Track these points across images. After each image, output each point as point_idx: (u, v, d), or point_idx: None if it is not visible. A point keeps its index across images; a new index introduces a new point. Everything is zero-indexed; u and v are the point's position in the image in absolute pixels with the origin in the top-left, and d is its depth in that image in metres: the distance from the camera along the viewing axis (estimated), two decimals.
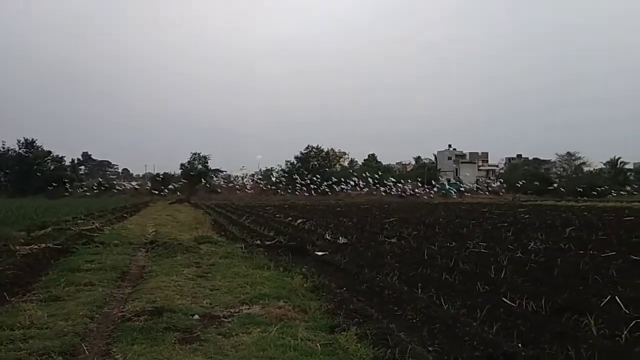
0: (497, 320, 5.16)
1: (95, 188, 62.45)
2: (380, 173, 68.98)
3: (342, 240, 12.95)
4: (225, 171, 74.70)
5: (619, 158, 71.62)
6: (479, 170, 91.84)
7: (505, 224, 17.62)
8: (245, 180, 73.15)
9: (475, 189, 70.39)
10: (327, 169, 65.97)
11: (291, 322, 5.21)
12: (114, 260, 9.52)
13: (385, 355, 4.09)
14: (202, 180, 64.36)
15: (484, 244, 11.58)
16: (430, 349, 4.54)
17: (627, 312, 5.30)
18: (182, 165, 65.70)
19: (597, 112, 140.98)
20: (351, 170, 77.48)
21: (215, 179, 69.46)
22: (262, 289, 6.81)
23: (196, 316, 5.51)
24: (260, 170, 74.18)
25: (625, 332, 4.54)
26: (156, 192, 57.76)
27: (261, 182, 68.24)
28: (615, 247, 10.44)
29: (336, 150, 73.59)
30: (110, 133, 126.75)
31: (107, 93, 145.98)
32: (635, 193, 60.81)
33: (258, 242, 12.74)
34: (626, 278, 7.22)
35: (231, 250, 10.92)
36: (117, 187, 66.16)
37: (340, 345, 4.37)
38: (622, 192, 59.10)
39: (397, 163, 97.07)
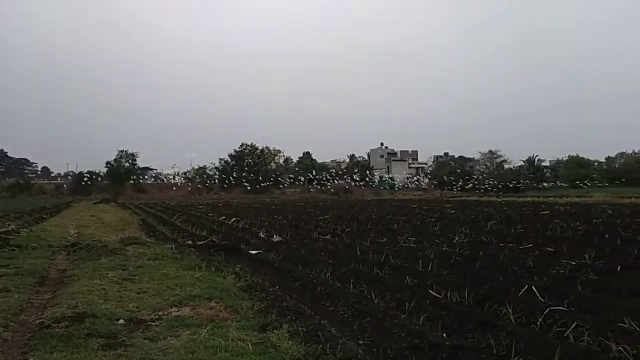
0: (424, 312, 5.36)
1: (11, 188, 57.97)
2: (315, 171, 69.59)
3: (276, 238, 12.91)
4: (156, 169, 72.08)
5: (537, 156, 76.94)
6: (409, 167, 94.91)
7: (433, 219, 18.33)
8: (176, 178, 70.97)
9: (406, 186, 72.76)
10: (262, 167, 65.44)
11: (222, 323, 5.13)
12: (32, 264, 8.92)
13: (316, 352, 4.12)
14: (130, 179, 61.59)
15: (413, 238, 12.00)
16: (360, 342, 4.63)
17: (542, 300, 5.68)
18: (107, 163, 62.41)
19: (516, 112, 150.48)
20: (286, 168, 77.52)
21: (144, 177, 66.75)
22: (193, 290, 6.65)
23: (121, 321, 5.28)
24: (193, 168, 72.23)
25: (540, 319, 4.87)
26: (79, 192, 54.63)
27: (194, 180, 66.50)
28: (532, 240, 11.16)
29: (271, 148, 73.23)
30: (29, 129, 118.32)
31: (27, 87, 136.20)
32: (550, 188, 65.45)
33: (190, 242, 12.41)
34: (542, 268, 7.74)
35: (160, 251, 10.56)
36: (36, 187, 61.80)
37: (271, 344, 4.35)
38: (539, 187, 63.59)
39: (331, 161, 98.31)
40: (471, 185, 65.06)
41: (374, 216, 20.83)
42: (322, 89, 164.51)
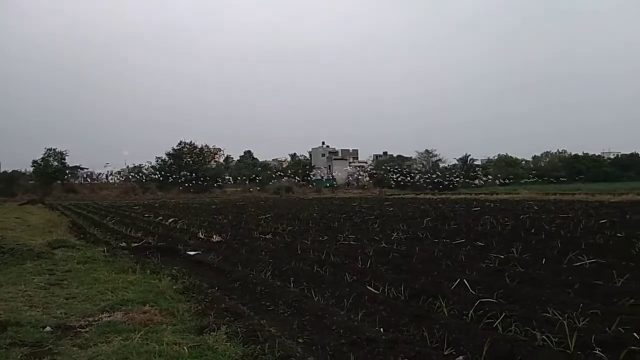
0: (362, 308, 5.46)
1: None
2: (256, 169, 68.96)
3: (216, 238, 12.67)
4: (87, 169, 68.47)
5: (469, 155, 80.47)
6: (350, 166, 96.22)
7: (373, 217, 18.70)
8: (110, 178, 67.85)
9: (346, 184, 73.71)
10: (201, 166, 63.85)
11: (157, 327, 4.96)
12: None
13: (254, 352, 4.08)
14: (59, 178, 58.15)
15: (353, 236, 12.19)
16: (300, 340, 4.64)
17: (473, 292, 5.94)
18: (34, 162, 58.52)
19: (451, 115, 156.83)
20: (227, 167, 76.25)
21: (74, 177, 63.24)
22: (126, 294, 6.39)
23: (48, 328, 4.98)
24: (128, 167, 69.24)
25: (471, 311, 5.09)
26: (3, 193, 50.91)
27: (129, 180, 63.81)
28: (464, 235, 11.65)
29: (211, 146, 71.60)
30: None
31: None
32: (482, 186, 68.63)
33: (123, 244, 11.92)
34: (473, 262, 8.11)
35: (91, 254, 10.06)
36: None
37: (208, 346, 4.26)
38: (472, 185, 66.55)
39: (273, 159, 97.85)
40: (409, 183, 66.97)
41: (315, 215, 20.95)
42: (263, 88, 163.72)
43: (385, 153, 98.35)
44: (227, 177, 66.17)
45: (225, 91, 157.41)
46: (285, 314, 5.60)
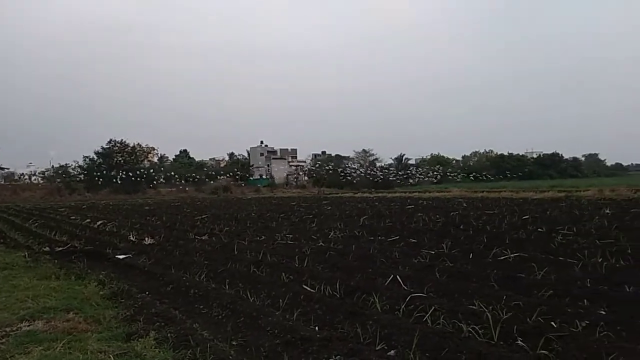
0: (298, 307, 5.46)
1: None
2: (193, 169, 67.22)
3: (148, 240, 12.22)
4: (8, 169, 63.90)
5: (404, 155, 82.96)
6: (289, 165, 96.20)
7: (311, 216, 18.78)
8: (33, 178, 63.63)
9: (285, 184, 73.60)
10: (133, 166, 61.26)
11: (81, 335, 4.70)
12: None
13: (185, 357, 3.97)
14: None
15: (291, 235, 12.18)
16: (233, 343, 4.56)
17: (405, 288, 6.11)
18: None
19: (388, 115, 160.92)
20: (161, 167, 73.73)
21: None
22: (48, 302, 6.02)
23: None
24: (53, 167, 65.19)
25: (402, 306, 5.23)
26: None
27: (54, 180, 60.07)
28: (398, 232, 11.98)
29: (143, 145, 68.85)
30: None
31: None
32: (416, 185, 70.92)
33: (47, 248, 11.22)
34: (406, 259, 8.34)
35: (11, 260, 9.40)
36: None
37: (136, 353, 4.09)
38: (407, 183, 68.66)
39: (210, 159, 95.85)
40: (347, 182, 67.96)
41: (253, 214, 20.73)
42: (201, 86, 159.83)
43: (323, 152, 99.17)
44: (161, 177, 63.93)
45: (159, 89, 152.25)
46: (220, 317, 5.49)
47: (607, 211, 16.28)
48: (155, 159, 78.67)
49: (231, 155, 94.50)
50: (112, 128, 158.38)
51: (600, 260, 7.36)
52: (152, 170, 63.45)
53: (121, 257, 10.07)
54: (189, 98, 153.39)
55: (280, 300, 5.69)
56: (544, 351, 3.86)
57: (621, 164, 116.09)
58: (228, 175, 69.36)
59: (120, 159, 59.43)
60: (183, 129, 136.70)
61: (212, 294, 6.31)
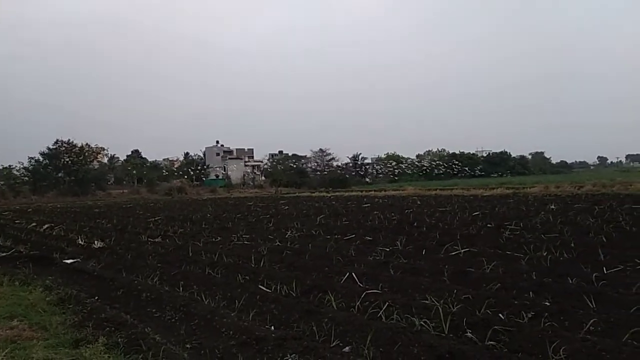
0: (254, 307, 5.43)
1: None
2: (145, 170, 65.44)
3: (98, 244, 11.80)
4: None
5: (360, 154, 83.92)
6: (245, 165, 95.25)
7: (268, 216, 18.70)
8: None
9: (242, 184, 72.86)
10: (82, 167, 58.85)
11: (26, 343, 4.50)
12: None
13: None
14: None
15: (248, 236, 12.10)
16: (187, 346, 4.49)
17: (360, 285, 6.19)
18: None
19: (343, 115, 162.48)
20: (112, 168, 71.39)
21: None
22: None
23: None
24: None
25: (357, 303, 5.30)
26: None
27: None
28: (355, 231, 12.11)
29: (93, 145, 66.30)
30: None
31: None
32: (372, 183, 71.91)
33: None
34: (362, 256, 8.46)
35: None
36: None
37: None
38: (363, 182, 69.52)
39: (164, 159, 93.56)
40: (304, 181, 68.10)
41: (209, 215, 20.42)
42: (154, 84, 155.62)
43: (281, 152, 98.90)
44: (111, 179, 61.83)
45: (108, 87, 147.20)
46: (173, 320, 5.38)
47: (552, 207, 17.07)
48: (105, 160, 76.05)
49: (186, 155, 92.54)
50: (59, 128, 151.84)
51: (545, 254, 7.72)
52: (101, 172, 61.24)
53: (69, 261, 9.69)
54: (140, 97, 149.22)
55: (236, 301, 5.65)
56: (491, 342, 4.02)
57: (566, 162, 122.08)
58: (183, 176, 67.90)
59: (67, 159, 56.94)
60: (135, 129, 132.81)
61: (165, 297, 6.17)
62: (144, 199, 44.73)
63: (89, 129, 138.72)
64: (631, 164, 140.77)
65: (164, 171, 71.71)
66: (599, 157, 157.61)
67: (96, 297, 6.59)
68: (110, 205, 35.15)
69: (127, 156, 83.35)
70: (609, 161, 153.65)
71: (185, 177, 67.46)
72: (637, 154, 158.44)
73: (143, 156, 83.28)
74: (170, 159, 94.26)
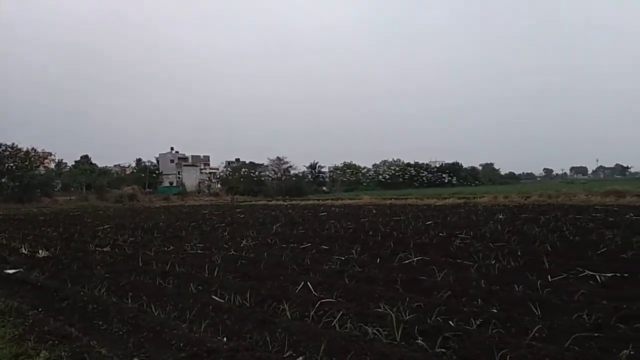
0: (206, 318, 5.32)
1: None
2: (95, 176, 63.14)
3: (42, 253, 11.25)
4: None
5: (317, 162, 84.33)
6: (201, 173, 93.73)
7: (223, 224, 18.43)
8: None
9: (197, 192, 71.55)
10: (27, 172, 56.07)
11: None
12: None
13: None
14: None
15: (201, 245, 11.87)
16: (135, 359, 4.33)
17: (315, 294, 6.20)
18: None
19: (301, 124, 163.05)
20: (59, 174, 68.44)
21: None
22: None
23: None
24: None
25: (312, 312, 5.29)
26: None
27: None
28: (311, 239, 12.12)
29: (39, 150, 63.36)
30: None
31: None
32: (329, 192, 72.35)
33: None
34: (317, 265, 8.47)
35: None
36: None
37: None
38: (320, 191, 69.77)
39: (115, 165, 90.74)
40: (261, 189, 67.67)
41: (161, 224, 19.90)
42: (105, 88, 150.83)
43: (237, 160, 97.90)
44: (59, 185, 59.23)
45: (58, 90, 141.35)
46: (120, 332, 5.19)
47: (501, 216, 17.70)
48: (52, 165, 72.83)
49: (138, 161, 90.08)
50: (1, 132, 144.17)
51: (493, 263, 7.98)
52: (48, 178, 58.58)
53: (11, 271, 9.19)
54: (91, 101, 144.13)
55: (188, 312, 5.51)
56: (441, 349, 4.10)
57: (514, 173, 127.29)
58: (135, 183, 65.95)
59: (11, 164, 54.14)
60: (85, 134, 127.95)
61: (113, 308, 5.94)
62: (92, 207, 43.09)
63: (36, 133, 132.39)
64: (575, 175, 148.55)
65: (115, 178, 69.38)
66: (544, 169, 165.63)
67: (39, 309, 6.28)
68: (57, 212, 33.66)
69: (76, 162, 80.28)
70: (554, 173, 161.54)
71: (137, 183, 65.56)
72: (581, 167, 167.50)
73: (93, 162, 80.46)
74: (121, 165, 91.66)
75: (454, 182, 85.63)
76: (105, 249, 11.88)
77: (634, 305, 5.06)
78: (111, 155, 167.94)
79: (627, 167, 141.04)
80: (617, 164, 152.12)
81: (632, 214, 17.10)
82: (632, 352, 3.87)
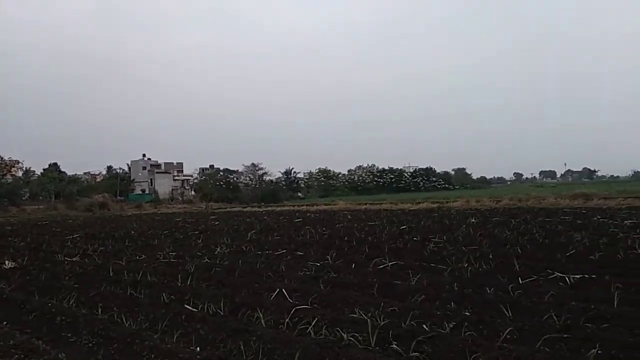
0: (179, 328, 5.22)
1: None
2: (64, 184, 61.57)
3: (9, 264, 10.89)
4: None
5: (292, 168, 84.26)
6: (174, 180, 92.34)
7: (197, 232, 18.20)
8: None
9: (170, 199, 70.49)
10: None
11: None
12: None
13: None
14: None
15: (174, 253, 11.68)
16: None
17: (290, 301, 6.16)
18: None
19: (276, 130, 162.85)
20: (27, 182, 66.49)
21: None
22: None
23: None
24: None
25: (287, 320, 5.26)
26: None
27: None
28: (286, 246, 12.08)
29: (6, 158, 61.45)
30: None
31: None
32: (304, 198, 72.31)
33: None
34: (292, 271, 8.44)
35: None
36: None
37: None
38: (295, 197, 69.63)
39: (85, 173, 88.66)
40: (236, 196, 67.14)
41: (133, 232, 19.50)
42: (74, 93, 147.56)
43: (212, 166, 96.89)
44: (26, 194, 57.53)
45: (26, 94, 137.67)
46: (90, 345, 5.04)
47: (473, 220, 18.01)
48: (20, 174, 70.71)
49: (109, 169, 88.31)
50: None
51: (466, 266, 8.10)
52: (15, 186, 56.86)
53: None
54: (60, 107, 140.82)
55: (160, 322, 5.40)
56: (415, 353, 4.13)
57: (485, 177, 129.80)
58: (106, 190, 64.54)
59: None
60: (53, 141, 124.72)
61: (82, 320, 5.78)
62: (62, 216, 41.99)
63: (2, 141, 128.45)
64: (544, 179, 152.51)
65: (85, 186, 67.78)
66: (515, 173, 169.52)
67: (5, 322, 6.06)
68: (25, 222, 32.65)
69: (44, 170, 78.12)
70: (524, 177, 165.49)
71: (108, 191, 64.20)
72: (550, 170, 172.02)
73: (62, 170, 78.41)
74: (92, 172, 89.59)
75: (428, 186, 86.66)
76: (74, 259, 11.57)
77: (602, 306, 5.21)
78: (81, 162, 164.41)
79: (595, 171, 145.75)
80: (584, 168, 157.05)
81: (599, 216, 17.64)
82: (599, 352, 3.97)
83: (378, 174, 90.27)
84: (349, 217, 24.33)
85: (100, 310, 6.24)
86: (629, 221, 15.12)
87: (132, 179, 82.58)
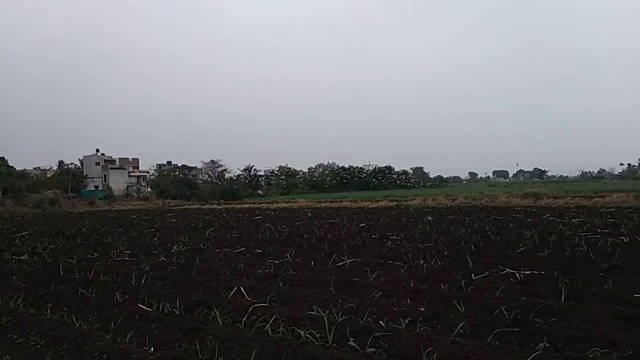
0: (132, 328, 5.09)
1: None
2: (12, 179, 58.69)
3: None
4: None
5: (253, 166, 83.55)
6: (129, 176, 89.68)
7: (153, 230, 17.78)
8: None
9: (125, 196, 68.49)
10: None
11: None
12: None
13: None
14: None
15: (129, 251, 11.37)
16: None
17: (248, 299, 6.11)
18: None
19: (236, 127, 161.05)
20: None
21: None
22: None
23: None
24: None
25: (245, 318, 5.21)
26: None
27: None
28: (245, 243, 11.99)
29: None
30: None
31: None
32: (265, 195, 71.84)
33: None
34: (251, 269, 8.38)
35: None
36: None
37: None
38: (256, 194, 69.10)
39: (34, 168, 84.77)
40: (194, 193, 65.94)
41: (85, 230, 18.85)
42: (25, 87, 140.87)
43: (169, 162, 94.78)
44: None
45: None
46: (38, 346, 4.84)
47: (429, 218, 18.41)
48: None
49: (61, 164, 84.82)
50: None
51: (422, 262, 8.28)
52: None
53: None
54: (9, 98, 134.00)
55: (112, 323, 5.24)
56: (372, 349, 4.18)
57: (442, 176, 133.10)
58: (57, 186, 62.02)
59: None
60: (1, 134, 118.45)
61: (30, 320, 5.54)
62: (9, 212, 40.06)
63: None
64: (497, 179, 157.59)
65: (34, 181, 64.87)
66: (470, 172, 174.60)
67: None
68: None
69: None
70: (478, 176, 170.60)
71: (58, 188, 61.71)
72: (502, 170, 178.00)
73: (10, 164, 74.66)
74: (42, 167, 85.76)
75: (387, 185, 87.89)
76: (22, 257, 11.09)
77: (550, 301, 5.45)
78: (30, 157, 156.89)
79: (545, 171, 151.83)
80: (535, 168, 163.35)
81: (548, 215, 18.40)
82: (547, 345, 4.14)
83: (338, 172, 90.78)
84: (309, 214, 24.38)
85: (49, 310, 6.02)
86: (577, 219, 15.85)
87: (84, 174, 79.66)
